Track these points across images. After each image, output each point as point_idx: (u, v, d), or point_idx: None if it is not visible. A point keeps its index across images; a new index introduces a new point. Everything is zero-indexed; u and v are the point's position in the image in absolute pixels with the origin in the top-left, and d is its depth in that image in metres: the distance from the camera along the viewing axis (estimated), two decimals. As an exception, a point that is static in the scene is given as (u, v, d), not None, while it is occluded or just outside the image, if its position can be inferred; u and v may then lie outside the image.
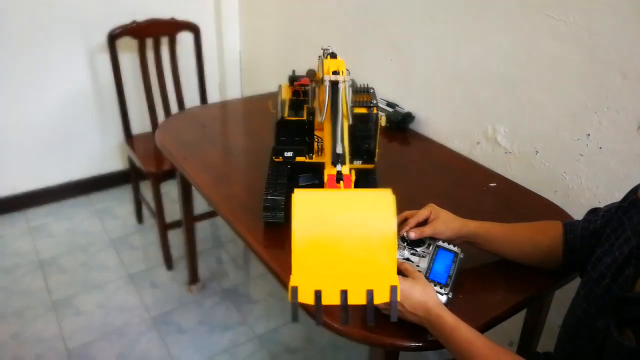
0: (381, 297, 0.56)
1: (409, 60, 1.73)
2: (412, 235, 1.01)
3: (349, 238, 0.56)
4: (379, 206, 0.57)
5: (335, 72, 0.81)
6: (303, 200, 0.56)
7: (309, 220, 0.55)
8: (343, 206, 0.56)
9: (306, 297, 0.56)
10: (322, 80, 0.83)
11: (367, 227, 0.56)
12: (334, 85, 0.79)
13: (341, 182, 0.66)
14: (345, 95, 0.79)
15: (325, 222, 0.55)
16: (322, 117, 0.79)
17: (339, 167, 0.67)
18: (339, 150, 0.70)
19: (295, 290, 0.55)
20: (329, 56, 0.93)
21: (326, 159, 0.72)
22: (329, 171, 0.67)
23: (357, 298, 0.57)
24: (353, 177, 0.67)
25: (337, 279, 0.56)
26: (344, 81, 0.79)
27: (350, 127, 1.16)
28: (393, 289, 0.56)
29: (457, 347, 0.83)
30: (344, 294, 0.56)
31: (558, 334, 0.97)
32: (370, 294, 0.56)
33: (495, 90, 1.47)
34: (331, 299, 0.56)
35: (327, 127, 0.77)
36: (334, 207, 0.56)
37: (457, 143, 1.63)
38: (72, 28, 2.34)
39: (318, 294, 0.55)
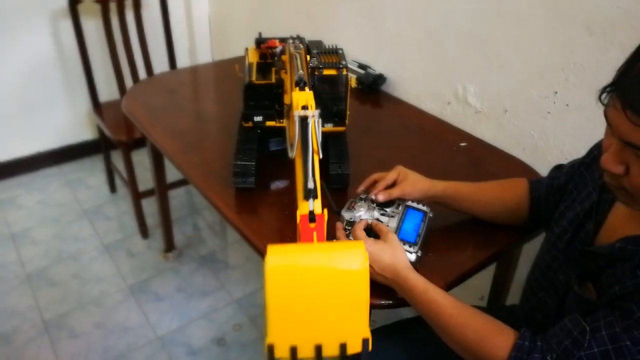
0: (354, 349, 0.59)
1: (379, 20, 1.71)
2: (381, 197, 1.01)
3: (322, 296, 0.58)
4: (352, 264, 0.58)
5: (304, 107, 0.81)
6: (275, 265, 0.57)
7: (282, 284, 0.57)
8: (316, 267, 0.58)
9: (282, 353, 0.58)
10: (290, 114, 0.84)
11: (340, 286, 0.58)
12: (303, 120, 0.78)
13: (314, 223, 0.67)
14: (315, 129, 0.79)
15: (298, 284, 0.57)
16: (293, 154, 0.79)
17: (311, 205, 0.68)
18: (310, 185, 0.71)
19: (271, 348, 0.57)
20: (297, 56, 0.91)
21: (298, 194, 0.74)
22: (301, 210, 0.68)
23: (331, 351, 0.59)
24: (325, 216, 0.69)
25: (312, 334, 0.58)
26: (313, 116, 0.79)
27: (319, 89, 1.16)
28: (364, 342, 0.59)
29: (425, 308, 0.85)
30: (318, 349, 0.58)
31: (523, 288, 1.00)
32: (343, 347, 0.59)
33: (464, 49, 1.46)
34: (306, 353, 0.58)
35: (299, 163, 0.78)
36: (306, 269, 0.57)
37: (428, 104, 1.63)
38: (30, -8, 2.25)
39: (293, 351, 0.57)
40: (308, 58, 1.17)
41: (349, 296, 0.58)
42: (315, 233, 0.66)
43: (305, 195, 0.69)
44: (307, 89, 0.89)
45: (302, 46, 1.17)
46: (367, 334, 0.59)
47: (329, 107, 1.20)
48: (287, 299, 0.57)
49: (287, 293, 0.57)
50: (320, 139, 0.79)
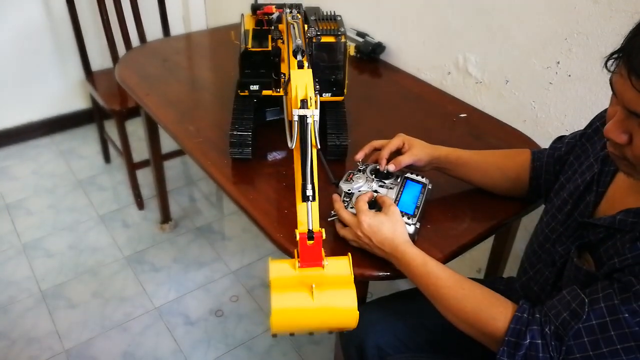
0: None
1: (379, -13, 1.66)
2: (392, 168, 1.00)
3: (318, 320, 0.71)
4: (343, 320, 0.70)
5: (303, 102, 0.77)
6: (279, 314, 0.68)
7: (284, 319, 0.68)
8: (314, 318, 0.69)
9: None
10: (288, 91, 0.81)
11: (332, 325, 0.72)
12: (302, 119, 0.76)
13: (312, 241, 0.72)
14: (314, 130, 0.76)
15: (298, 324, 0.70)
16: (293, 145, 0.78)
17: (309, 211, 0.72)
18: (308, 192, 0.72)
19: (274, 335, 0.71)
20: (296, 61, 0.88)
21: (297, 194, 0.75)
22: (300, 229, 0.72)
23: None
24: (323, 235, 0.72)
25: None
26: (312, 115, 0.76)
27: (317, 57, 1.13)
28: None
29: (423, 281, 0.85)
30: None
31: (521, 259, 0.99)
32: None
33: (466, 18, 1.43)
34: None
35: (297, 157, 0.76)
36: (306, 319, 0.69)
37: (428, 74, 1.61)
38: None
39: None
40: (306, 27, 1.14)
41: (340, 323, 0.71)
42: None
43: (303, 199, 0.72)
44: (305, 60, 0.86)
45: (299, 15, 1.14)
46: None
47: (327, 76, 1.18)
48: (288, 327, 0.70)
49: (288, 325, 0.69)
50: (317, 133, 0.78)
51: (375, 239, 0.89)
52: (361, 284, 1.06)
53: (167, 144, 1.93)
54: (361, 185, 0.98)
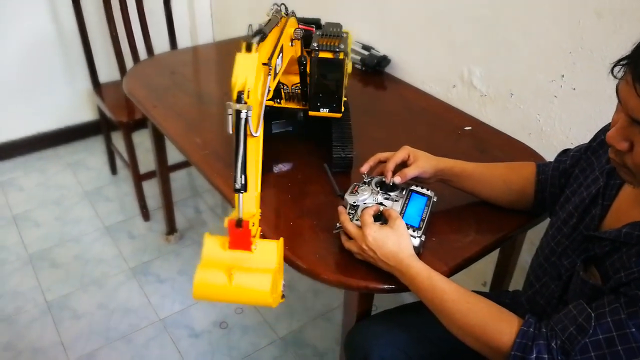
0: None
1: (384, 2, 1.68)
2: (398, 180, 1.00)
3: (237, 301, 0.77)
4: (259, 300, 0.75)
5: (240, 94, 0.71)
6: (200, 287, 0.75)
7: (205, 288, 0.75)
8: (232, 296, 0.75)
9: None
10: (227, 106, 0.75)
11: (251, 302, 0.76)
12: (238, 113, 0.72)
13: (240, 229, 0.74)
14: (248, 125, 0.72)
15: (219, 298, 0.76)
16: (230, 130, 0.74)
17: (240, 204, 0.74)
18: (237, 185, 0.73)
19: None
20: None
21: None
22: (231, 215, 0.75)
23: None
24: (256, 228, 0.77)
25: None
26: (248, 110, 0.71)
27: (315, 72, 1.12)
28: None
29: (428, 295, 0.85)
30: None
31: (527, 273, 0.99)
32: None
33: (471, 32, 1.44)
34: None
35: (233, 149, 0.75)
36: (225, 295, 0.75)
37: (433, 86, 1.61)
38: (29, -30, 2.21)
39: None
40: (292, 32, 1.13)
41: (257, 301, 0.75)
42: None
43: (235, 190, 0.73)
44: (254, 46, 0.79)
45: (285, 15, 1.13)
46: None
47: (325, 92, 1.15)
48: (210, 297, 0.76)
49: (210, 296, 0.76)
50: (259, 121, 0.77)
51: (380, 253, 0.89)
52: (366, 297, 1.06)
53: (173, 155, 1.94)
54: (366, 198, 0.99)
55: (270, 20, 1.02)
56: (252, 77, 0.75)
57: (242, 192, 0.73)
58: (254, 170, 0.78)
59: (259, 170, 0.79)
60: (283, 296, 0.82)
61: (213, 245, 0.76)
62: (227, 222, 0.73)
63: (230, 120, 0.73)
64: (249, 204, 0.77)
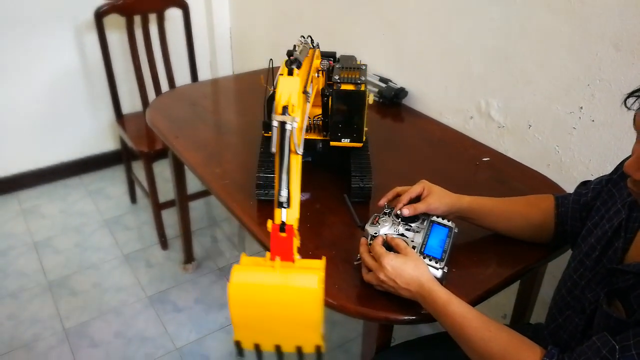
0: (309, 351, 0.70)
1: (401, 35, 1.71)
2: (406, 212, 1.01)
3: (280, 308, 0.68)
4: (306, 283, 0.66)
5: (285, 108, 0.74)
6: (238, 287, 0.67)
7: (243, 298, 0.68)
8: (273, 285, 0.67)
9: (248, 346, 0.71)
10: (270, 121, 0.77)
11: (295, 300, 0.67)
12: (282, 125, 0.74)
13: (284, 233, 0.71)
14: (292, 138, 0.74)
15: (258, 298, 0.67)
16: (273, 149, 0.75)
17: (283, 215, 0.71)
18: (281, 198, 0.72)
19: (238, 343, 0.71)
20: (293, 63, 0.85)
21: (275, 197, 0.74)
22: (276, 219, 0.71)
23: (289, 349, 0.71)
24: (295, 228, 0.72)
25: (272, 336, 0.70)
26: (293, 122, 0.74)
27: (337, 103, 1.15)
28: (317, 348, 0.69)
29: (449, 321, 0.84)
30: (277, 347, 0.71)
31: (549, 306, 0.98)
32: (299, 349, 0.70)
33: (488, 64, 1.46)
34: (268, 348, 0.71)
35: (276, 163, 0.75)
36: (265, 287, 0.67)
37: (450, 118, 1.63)
38: (57, 6, 2.30)
39: (257, 346, 0.71)
40: (318, 62, 1.16)
41: (303, 308, 0.66)
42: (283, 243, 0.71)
43: (278, 204, 0.72)
44: (295, 71, 0.83)
45: (312, 46, 1.17)
46: (320, 342, 0.68)
47: (346, 122, 1.19)
48: (248, 309, 0.68)
49: (248, 305, 0.68)
50: (301, 141, 0.77)
51: (400, 281, 0.89)
52: (386, 328, 1.05)
53: (191, 185, 1.97)
54: (387, 229, 0.99)
55: (302, 50, 1.05)
56: (295, 95, 0.78)
57: (285, 208, 0.71)
58: (297, 188, 0.75)
59: (299, 191, 0.76)
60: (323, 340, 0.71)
61: (249, 260, 0.70)
62: (270, 225, 0.70)
63: (275, 133, 0.74)
64: (292, 217, 0.72)
